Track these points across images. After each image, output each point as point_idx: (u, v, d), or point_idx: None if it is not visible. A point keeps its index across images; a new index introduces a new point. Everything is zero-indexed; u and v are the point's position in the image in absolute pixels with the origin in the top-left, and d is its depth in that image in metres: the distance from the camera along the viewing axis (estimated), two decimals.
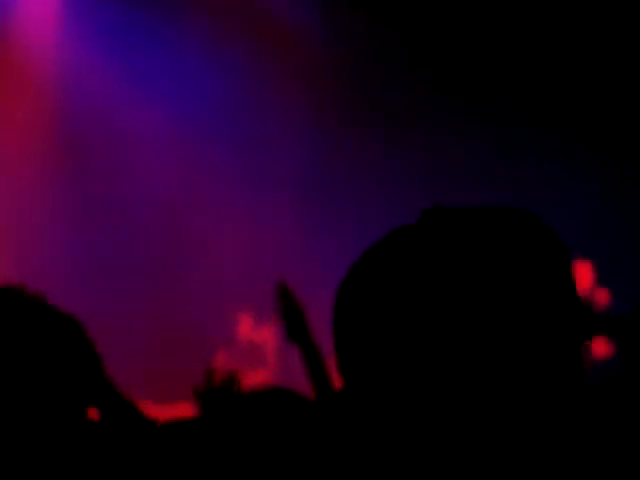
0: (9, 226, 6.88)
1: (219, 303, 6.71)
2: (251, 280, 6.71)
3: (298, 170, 7.47)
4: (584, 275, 6.66)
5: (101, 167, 7.10)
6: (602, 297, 6.42)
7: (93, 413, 1.64)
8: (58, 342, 1.53)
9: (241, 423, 1.39)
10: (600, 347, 6.02)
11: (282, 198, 7.43)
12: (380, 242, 0.89)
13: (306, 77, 7.42)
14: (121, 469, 1.59)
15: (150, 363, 6.42)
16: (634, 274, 6.69)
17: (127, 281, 6.93)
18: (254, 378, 6.46)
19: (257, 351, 6.72)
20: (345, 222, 6.81)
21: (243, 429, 1.38)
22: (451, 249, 0.84)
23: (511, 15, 7.31)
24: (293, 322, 2.80)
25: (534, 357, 0.83)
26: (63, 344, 1.53)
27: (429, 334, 0.82)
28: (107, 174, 7.11)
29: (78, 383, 1.53)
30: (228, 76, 7.36)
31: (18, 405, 1.48)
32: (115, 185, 7.12)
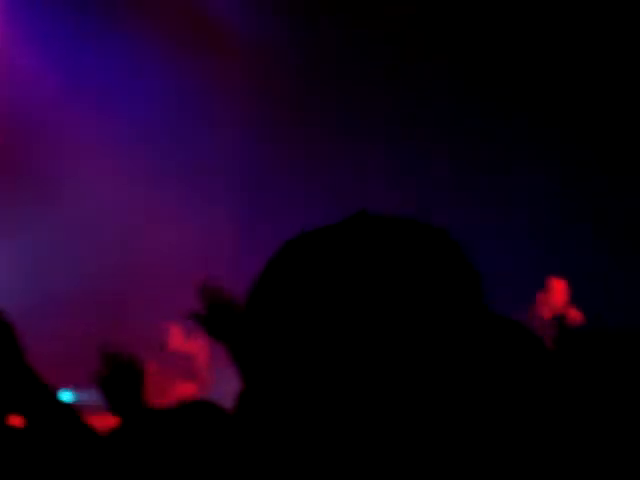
0: None
1: (151, 313, 6.62)
2: (183, 290, 6.65)
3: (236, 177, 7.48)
4: (559, 292, 6.39)
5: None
6: (575, 315, 6.39)
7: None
8: None
9: (162, 437, 1.37)
10: None
11: (217, 206, 7.43)
12: (293, 242, 0.90)
13: (244, 71, 7.44)
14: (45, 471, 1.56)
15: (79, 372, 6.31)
16: (608, 294, 6.67)
17: (59, 286, 6.87)
18: (184, 390, 6.37)
19: (188, 363, 6.61)
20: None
21: (164, 443, 1.37)
22: (363, 259, 0.86)
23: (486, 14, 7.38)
24: (218, 318, 2.70)
25: (436, 369, 0.85)
26: None
27: (337, 336, 0.84)
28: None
29: None
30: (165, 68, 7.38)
31: None
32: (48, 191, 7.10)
